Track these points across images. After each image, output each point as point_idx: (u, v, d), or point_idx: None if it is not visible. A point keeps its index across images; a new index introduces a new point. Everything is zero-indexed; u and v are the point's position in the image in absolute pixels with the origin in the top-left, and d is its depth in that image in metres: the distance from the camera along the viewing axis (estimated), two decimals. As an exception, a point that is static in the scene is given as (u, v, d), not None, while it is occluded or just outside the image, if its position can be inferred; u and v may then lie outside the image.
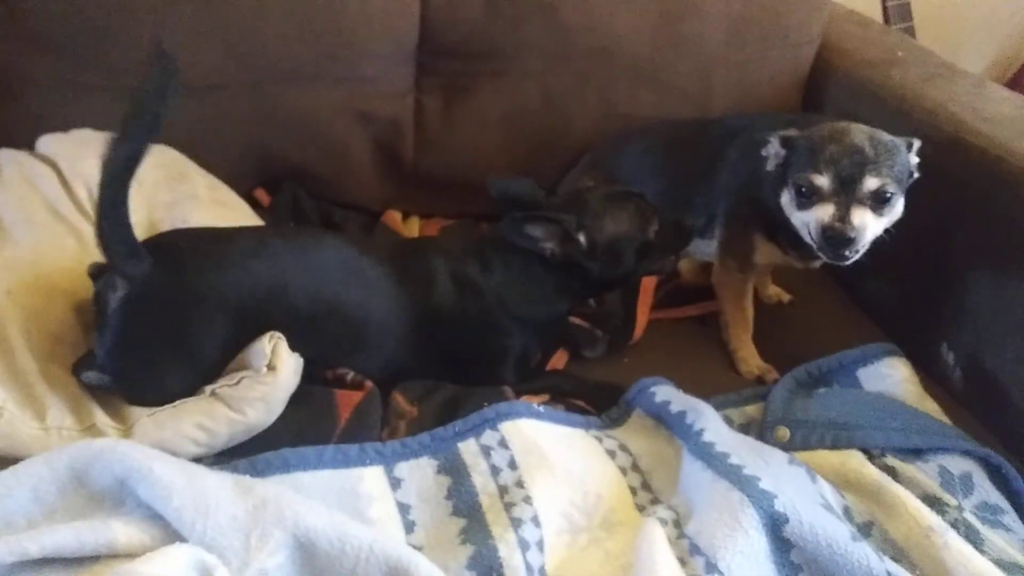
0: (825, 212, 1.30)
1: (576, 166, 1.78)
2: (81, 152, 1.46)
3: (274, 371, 1.18)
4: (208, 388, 1.18)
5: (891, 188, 1.30)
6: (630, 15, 1.73)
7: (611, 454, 1.26)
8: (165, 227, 1.39)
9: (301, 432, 1.20)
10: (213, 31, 1.57)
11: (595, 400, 1.38)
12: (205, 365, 1.21)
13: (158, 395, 1.18)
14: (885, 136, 1.34)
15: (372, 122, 1.73)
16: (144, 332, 1.19)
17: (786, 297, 1.74)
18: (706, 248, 1.61)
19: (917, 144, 1.37)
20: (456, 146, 1.79)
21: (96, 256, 1.31)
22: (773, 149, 1.40)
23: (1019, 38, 2.89)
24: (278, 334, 1.21)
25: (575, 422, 1.31)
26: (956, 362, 1.50)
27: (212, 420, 1.14)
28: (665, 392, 1.34)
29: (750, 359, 1.54)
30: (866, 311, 1.71)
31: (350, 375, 1.30)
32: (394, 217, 1.80)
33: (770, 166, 1.41)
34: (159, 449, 1.06)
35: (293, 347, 1.23)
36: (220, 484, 1.00)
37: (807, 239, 1.37)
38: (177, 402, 1.17)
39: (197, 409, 1.15)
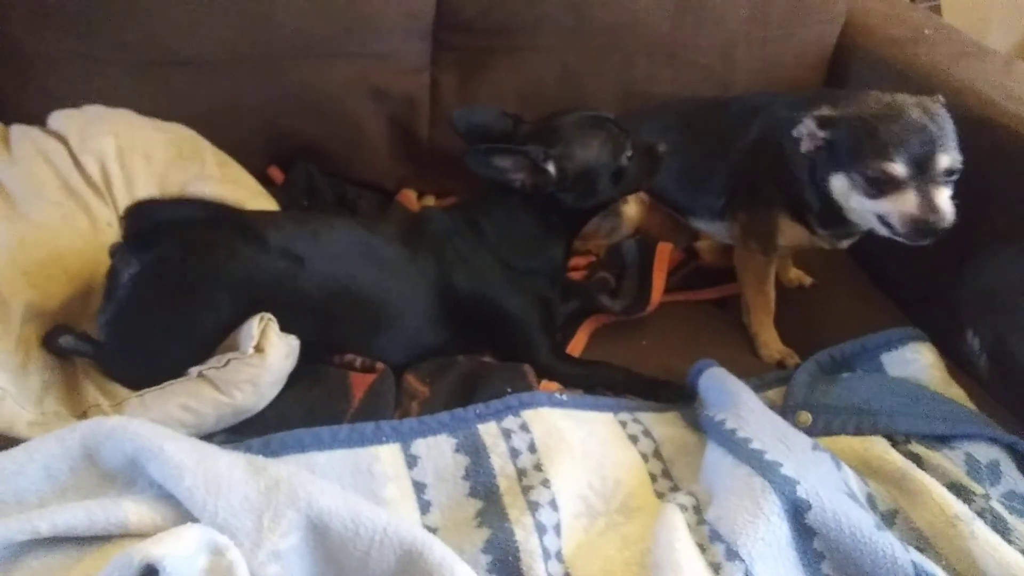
0: (908, 202, 1.26)
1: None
2: (93, 128, 1.46)
3: (262, 353, 1.16)
4: (195, 369, 1.16)
5: (959, 160, 1.26)
6: (650, -11, 1.69)
7: (634, 439, 1.24)
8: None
9: (313, 411, 1.18)
10: (226, 6, 1.55)
11: (648, 396, 1.35)
12: (201, 345, 1.20)
13: (146, 371, 1.17)
14: (932, 104, 1.30)
15: (387, 98, 1.71)
16: (149, 306, 1.19)
17: (808, 280, 1.70)
18: (725, 230, 1.58)
19: (942, 101, 1.33)
20: (472, 123, 1.76)
21: (105, 233, 1.31)
22: (807, 129, 1.34)
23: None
24: (268, 315, 1.19)
25: (601, 405, 1.29)
26: (982, 348, 1.47)
27: (198, 401, 1.14)
28: (709, 377, 1.32)
29: (771, 343, 1.51)
30: (890, 295, 1.68)
31: (358, 361, 1.28)
32: (409, 196, 1.78)
33: (805, 147, 1.36)
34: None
35: (309, 334, 1.23)
36: (232, 464, 0.99)
37: (878, 228, 1.32)
38: (164, 383, 1.16)
39: (184, 390, 1.15)
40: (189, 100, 1.60)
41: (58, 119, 1.48)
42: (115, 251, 1.20)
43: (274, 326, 1.19)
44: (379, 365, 1.27)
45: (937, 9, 2.41)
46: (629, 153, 1.38)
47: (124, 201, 1.37)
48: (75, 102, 1.51)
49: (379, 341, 1.31)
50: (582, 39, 1.72)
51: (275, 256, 1.22)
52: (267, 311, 1.19)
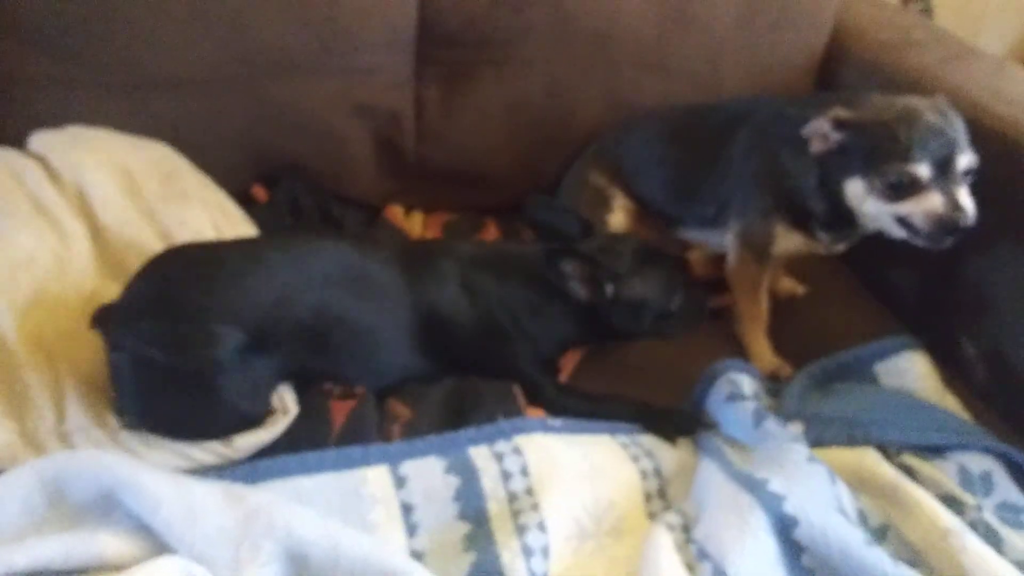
0: (933, 202, 1.25)
1: (581, 156, 1.73)
2: (71, 146, 1.45)
3: (278, 421, 1.18)
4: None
5: (974, 159, 1.27)
6: (635, -2, 1.68)
7: (635, 459, 1.23)
8: (154, 227, 1.37)
9: (294, 439, 1.17)
10: (205, 24, 1.53)
11: (658, 429, 1.31)
12: (226, 396, 1.17)
13: (192, 435, 1.15)
14: (943, 105, 1.30)
15: (371, 114, 1.69)
16: (157, 384, 1.16)
17: (800, 289, 1.68)
18: (717, 239, 1.56)
19: (946, 101, 1.33)
20: (458, 137, 1.74)
21: (77, 251, 1.30)
22: (819, 130, 1.32)
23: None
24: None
25: (596, 429, 1.27)
26: (978, 356, 1.45)
27: (201, 450, 1.14)
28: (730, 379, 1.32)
29: (764, 354, 1.49)
30: (884, 303, 1.66)
31: (337, 390, 1.26)
32: (396, 212, 1.76)
33: (816, 149, 1.34)
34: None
35: (302, 365, 1.23)
36: (209, 494, 0.98)
37: (895, 231, 1.31)
38: None
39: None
40: (171, 120, 1.59)
41: (38, 140, 1.47)
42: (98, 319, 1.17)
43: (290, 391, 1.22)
44: (359, 390, 1.25)
45: (929, 11, 2.39)
46: (680, 298, 1.38)
47: (102, 218, 1.37)
48: (56, 125, 1.50)
49: (366, 369, 1.29)
50: (567, 50, 1.70)
51: (263, 289, 1.20)
52: (270, 344, 1.18)
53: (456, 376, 1.32)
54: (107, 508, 0.97)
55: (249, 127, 1.65)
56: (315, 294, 1.23)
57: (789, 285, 1.69)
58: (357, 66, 1.64)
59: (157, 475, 0.98)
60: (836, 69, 1.80)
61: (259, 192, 1.69)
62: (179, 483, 0.98)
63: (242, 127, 1.64)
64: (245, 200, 1.67)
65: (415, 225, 1.77)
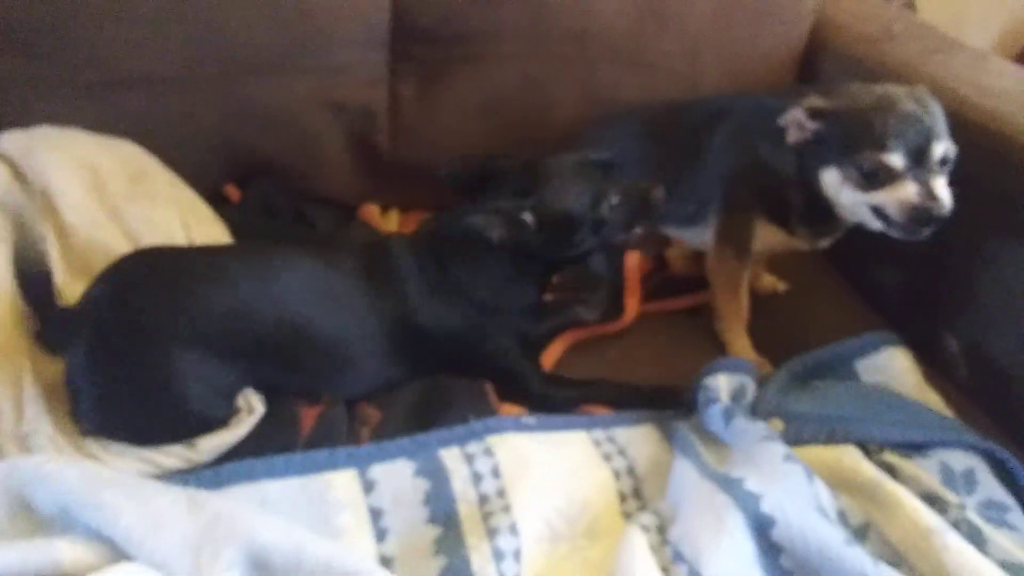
0: (907, 191, 1.23)
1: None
2: (40, 149, 1.42)
3: (243, 422, 1.17)
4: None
5: (952, 148, 1.25)
6: (612, -7, 1.65)
7: (607, 457, 1.21)
8: (121, 227, 1.34)
9: (260, 443, 1.15)
10: (175, 22, 1.50)
11: (650, 406, 1.30)
12: (186, 403, 1.15)
13: (152, 440, 1.13)
14: (922, 94, 1.28)
15: (345, 112, 1.66)
16: (114, 390, 1.14)
17: (781, 286, 1.67)
18: (697, 236, 1.54)
19: (927, 90, 1.31)
20: (434, 135, 1.72)
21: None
22: (795, 119, 1.31)
23: (1025, 10, 2.80)
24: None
25: (572, 425, 1.25)
26: (960, 350, 1.43)
27: (164, 455, 1.12)
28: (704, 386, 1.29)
29: (744, 352, 1.48)
30: (866, 298, 1.64)
31: (303, 400, 1.24)
32: (371, 211, 1.74)
33: (792, 138, 1.32)
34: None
35: (267, 376, 1.21)
36: (172, 502, 0.96)
37: (871, 222, 1.29)
38: None
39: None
40: (142, 119, 1.56)
41: (6, 140, 1.43)
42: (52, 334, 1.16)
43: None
44: (326, 396, 1.23)
45: (912, 5, 2.37)
46: (615, 200, 1.30)
47: (68, 218, 1.34)
48: (25, 125, 1.46)
49: (336, 380, 1.26)
50: (544, 46, 1.67)
51: (223, 299, 1.18)
52: (230, 356, 1.17)
53: (426, 377, 1.29)
54: (68, 521, 0.95)
55: (221, 126, 1.62)
56: (277, 307, 1.20)
57: (770, 281, 1.67)
58: (331, 63, 1.62)
59: (117, 484, 0.96)
60: (817, 63, 1.78)
61: (232, 191, 1.67)
62: (139, 491, 0.96)
63: (214, 126, 1.62)
64: (218, 199, 1.64)
65: (391, 224, 1.75)
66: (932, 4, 2.44)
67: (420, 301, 1.28)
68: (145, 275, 1.18)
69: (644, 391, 1.32)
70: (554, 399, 1.29)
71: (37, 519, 0.96)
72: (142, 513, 0.92)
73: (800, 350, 1.42)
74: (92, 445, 1.13)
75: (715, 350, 1.51)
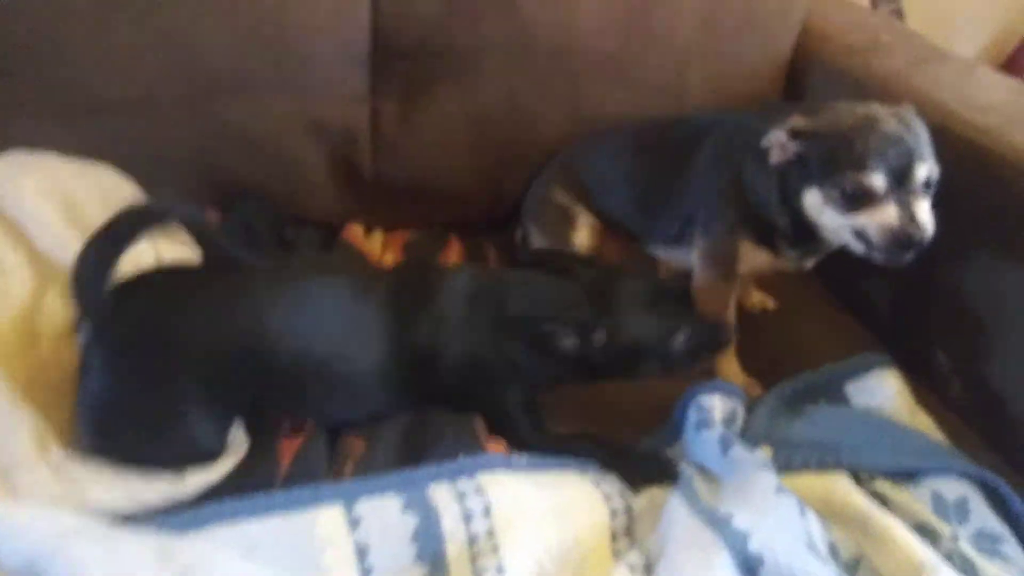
0: (887, 214, 1.20)
1: (544, 172, 1.69)
2: (13, 175, 1.39)
3: (235, 452, 1.15)
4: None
5: (935, 170, 1.22)
6: (595, 8, 1.62)
7: (607, 498, 1.17)
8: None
9: (238, 482, 1.12)
10: (149, 44, 1.47)
11: (631, 476, 1.23)
12: (190, 431, 1.13)
13: (149, 462, 1.10)
14: (907, 114, 1.26)
15: (326, 132, 1.64)
16: (122, 406, 1.12)
17: (771, 303, 1.64)
18: (683, 256, 1.52)
19: (912, 110, 1.29)
20: (417, 153, 1.69)
21: (14, 282, 1.25)
22: (777, 140, 1.28)
23: (1016, 14, 2.78)
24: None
25: (564, 466, 1.21)
26: (953, 369, 1.41)
27: (148, 489, 1.08)
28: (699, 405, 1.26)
29: (733, 375, 1.45)
30: (857, 313, 1.62)
31: (287, 424, 1.21)
32: (355, 232, 1.71)
33: (775, 159, 1.30)
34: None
35: (268, 404, 1.19)
36: (141, 551, 0.92)
37: (853, 244, 1.27)
38: None
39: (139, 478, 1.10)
40: (118, 143, 1.53)
41: (-22, 166, 1.41)
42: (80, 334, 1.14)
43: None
44: (308, 425, 1.20)
45: (899, 12, 2.35)
46: (684, 336, 1.28)
47: (40, 244, 1.31)
48: (-2, 148, 1.45)
49: (337, 407, 1.24)
50: (528, 62, 1.64)
51: (243, 326, 1.16)
52: (242, 388, 1.15)
53: (414, 408, 1.26)
54: (35, 573, 0.92)
55: (200, 148, 1.59)
56: (297, 336, 1.17)
57: (759, 299, 1.65)
58: (310, 83, 1.59)
59: (88, 536, 0.93)
60: (804, 75, 1.75)
61: (212, 215, 1.64)
62: (111, 542, 0.93)
63: (193, 149, 1.59)
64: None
65: (376, 244, 1.72)
66: (920, 11, 2.42)
67: (445, 335, 1.24)
68: (169, 296, 1.17)
69: (628, 459, 1.26)
70: (537, 449, 1.25)
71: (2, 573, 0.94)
72: (109, 566, 0.89)
73: (790, 368, 1.40)
74: (75, 472, 1.09)
75: (705, 371, 1.48)
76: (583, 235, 1.60)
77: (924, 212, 1.20)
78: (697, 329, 1.30)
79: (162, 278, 1.20)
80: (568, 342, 1.23)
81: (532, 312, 1.26)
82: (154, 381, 1.13)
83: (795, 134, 1.26)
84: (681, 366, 1.32)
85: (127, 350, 1.12)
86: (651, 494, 1.19)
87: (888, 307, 1.56)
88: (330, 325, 1.21)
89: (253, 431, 1.20)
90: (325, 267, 1.40)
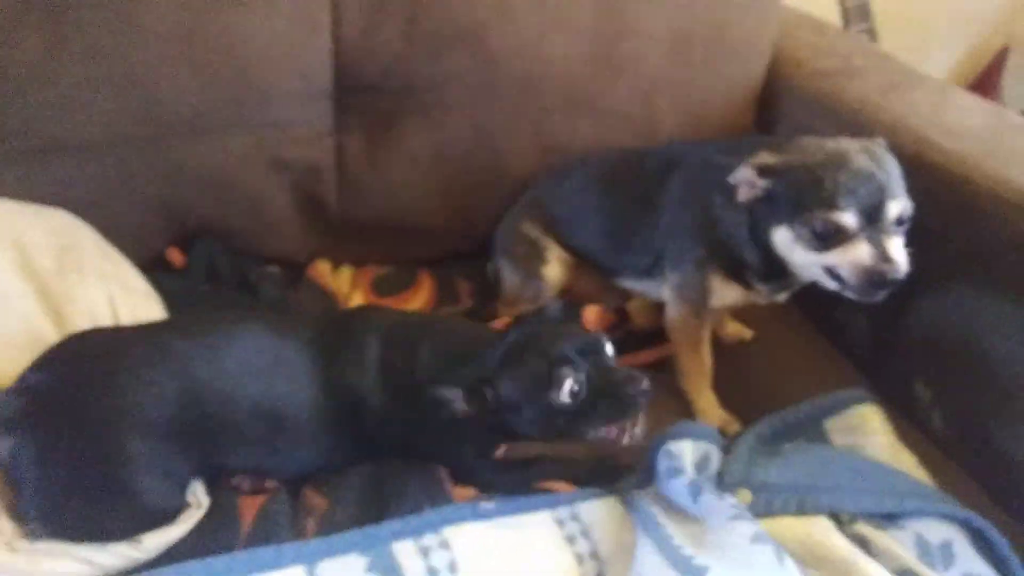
0: (860, 253, 1.17)
1: (513, 206, 1.65)
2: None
3: (197, 509, 1.11)
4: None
5: (909, 207, 1.19)
6: (561, 39, 1.59)
7: (571, 540, 1.13)
8: (46, 303, 1.26)
9: (198, 544, 1.07)
10: (102, 83, 1.43)
11: (595, 482, 1.20)
12: (140, 496, 1.09)
13: (102, 536, 1.06)
14: (877, 149, 1.23)
15: (289, 169, 1.60)
16: (62, 483, 1.07)
17: (748, 334, 1.61)
18: (654, 290, 1.49)
19: (884, 144, 1.27)
20: (384, 189, 1.65)
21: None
22: (744, 178, 1.25)
23: (989, 30, 2.79)
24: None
25: (534, 506, 1.16)
26: (933, 401, 1.38)
27: (106, 554, 1.04)
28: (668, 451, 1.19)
29: (709, 410, 1.42)
30: (837, 345, 1.59)
31: (247, 483, 1.18)
32: (321, 270, 1.67)
33: (742, 196, 1.27)
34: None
35: (216, 458, 1.15)
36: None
37: (825, 281, 1.24)
38: None
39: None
40: (75, 185, 1.49)
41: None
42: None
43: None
44: (269, 484, 1.16)
45: (872, 32, 2.34)
46: (572, 389, 1.13)
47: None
48: (-53, 195, 1.40)
49: (286, 459, 1.20)
50: (494, 94, 1.61)
51: (169, 382, 1.12)
52: (183, 441, 1.11)
53: (375, 460, 1.22)
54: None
55: (160, 189, 1.55)
56: (227, 385, 1.14)
57: (736, 329, 1.62)
58: (272, 119, 1.56)
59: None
60: (776, 102, 1.73)
61: (175, 255, 1.60)
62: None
63: (152, 189, 1.55)
64: (161, 264, 1.57)
65: (343, 282, 1.68)
66: (892, 31, 2.40)
67: (376, 391, 1.20)
68: (89, 361, 1.13)
69: (585, 467, 1.24)
70: (498, 487, 1.21)
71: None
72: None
73: (769, 401, 1.36)
74: (28, 546, 1.05)
75: (680, 406, 1.45)
76: (554, 269, 1.57)
77: (897, 250, 1.17)
78: (599, 383, 1.15)
79: (76, 346, 1.15)
80: (460, 407, 1.15)
81: (427, 372, 1.19)
82: (95, 456, 1.07)
83: (763, 171, 1.23)
84: (586, 428, 1.17)
85: (60, 433, 1.07)
86: (620, 537, 1.15)
87: (867, 337, 1.53)
88: (255, 369, 1.17)
89: (213, 490, 1.15)
90: (248, 314, 1.36)
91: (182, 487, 1.13)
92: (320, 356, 1.21)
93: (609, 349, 1.20)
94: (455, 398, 1.15)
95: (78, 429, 1.07)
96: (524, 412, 1.16)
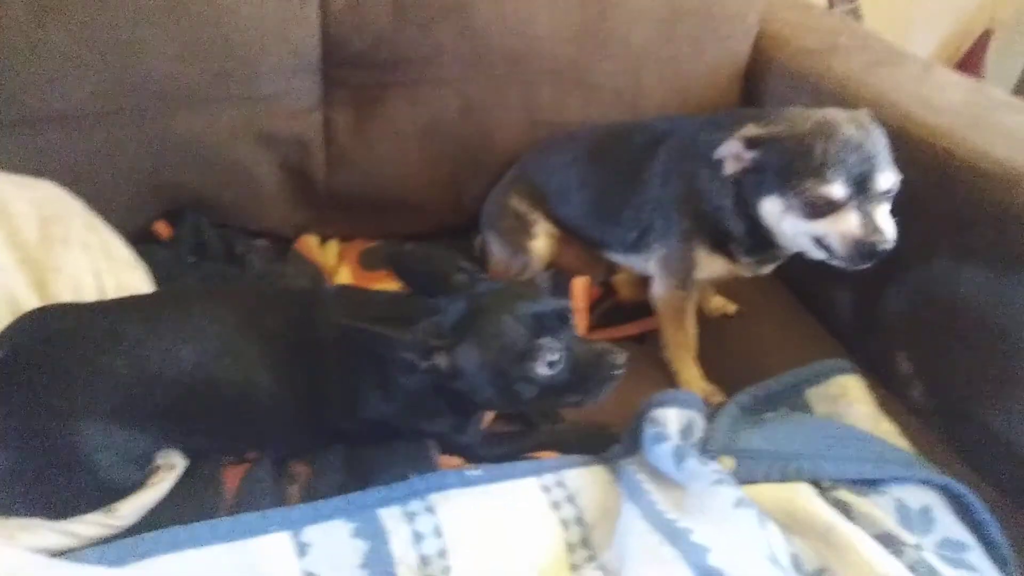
0: (849, 223, 1.18)
1: (501, 180, 1.66)
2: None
3: (170, 471, 1.11)
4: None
5: (897, 177, 1.20)
6: (549, 14, 1.60)
7: (556, 506, 1.14)
8: (31, 275, 1.26)
9: (181, 509, 1.07)
10: (91, 55, 1.42)
11: (583, 451, 1.21)
12: (95, 474, 1.07)
13: (64, 513, 1.05)
14: (864, 118, 1.23)
15: (277, 142, 1.60)
16: (16, 464, 1.05)
17: (732, 308, 1.62)
18: (640, 263, 1.50)
19: (871, 114, 1.27)
20: (372, 163, 1.66)
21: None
22: (731, 151, 1.25)
23: (972, 13, 2.80)
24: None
25: (520, 472, 1.17)
26: (914, 372, 1.40)
27: (83, 524, 1.04)
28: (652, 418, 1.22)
29: (693, 381, 1.43)
30: (819, 317, 1.61)
31: (228, 459, 1.17)
32: (308, 243, 1.67)
33: (730, 169, 1.27)
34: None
35: (183, 440, 1.14)
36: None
37: (813, 251, 1.25)
38: None
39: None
40: (63, 157, 1.49)
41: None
42: None
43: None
44: (251, 454, 1.16)
45: (857, 11, 2.35)
46: (552, 359, 1.07)
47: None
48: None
49: (256, 442, 1.19)
50: (482, 69, 1.62)
51: (124, 366, 1.09)
52: (141, 422, 1.09)
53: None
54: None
55: (148, 161, 1.55)
56: (183, 368, 1.10)
57: (720, 303, 1.63)
58: (259, 93, 1.55)
59: (24, 571, 0.88)
60: (761, 78, 1.74)
61: (162, 228, 1.60)
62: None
63: (140, 161, 1.54)
64: (148, 237, 1.57)
65: (331, 255, 1.68)
66: (877, 10, 2.42)
67: (339, 378, 1.16)
68: (42, 340, 1.10)
69: (573, 437, 1.26)
70: (486, 458, 1.22)
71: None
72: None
73: (752, 374, 1.38)
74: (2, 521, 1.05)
75: (665, 378, 1.46)
76: (542, 243, 1.58)
77: (886, 220, 1.18)
78: (577, 354, 1.11)
79: (34, 324, 1.12)
80: (408, 356, 1.08)
81: (363, 336, 1.11)
82: (45, 434, 1.05)
83: (750, 142, 1.24)
84: (566, 399, 1.14)
85: (10, 410, 1.05)
86: (604, 503, 1.17)
87: (849, 310, 1.55)
88: (213, 355, 1.13)
89: (196, 459, 1.15)
90: (215, 295, 1.29)
91: (141, 462, 1.11)
92: (283, 340, 1.16)
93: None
94: (401, 347, 1.08)
95: (33, 410, 1.06)
96: (488, 381, 1.09)
